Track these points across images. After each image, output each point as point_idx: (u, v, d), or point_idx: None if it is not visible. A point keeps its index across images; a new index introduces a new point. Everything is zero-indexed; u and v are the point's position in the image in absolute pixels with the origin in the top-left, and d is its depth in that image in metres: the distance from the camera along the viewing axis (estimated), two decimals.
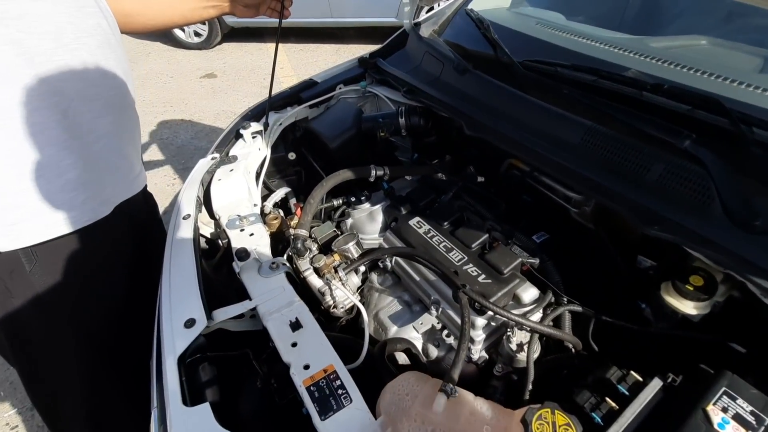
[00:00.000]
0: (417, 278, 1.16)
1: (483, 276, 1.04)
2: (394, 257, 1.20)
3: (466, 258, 1.08)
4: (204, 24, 5.31)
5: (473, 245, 1.10)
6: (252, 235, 1.12)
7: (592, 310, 1.04)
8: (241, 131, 1.42)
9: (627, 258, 1.09)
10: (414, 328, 1.13)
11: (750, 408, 0.69)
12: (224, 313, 0.92)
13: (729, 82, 1.06)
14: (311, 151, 1.56)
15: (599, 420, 0.74)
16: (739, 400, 0.70)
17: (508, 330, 0.97)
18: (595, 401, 0.78)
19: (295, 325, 0.87)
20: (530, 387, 0.88)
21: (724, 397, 0.71)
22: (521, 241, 1.15)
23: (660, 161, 0.88)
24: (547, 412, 0.67)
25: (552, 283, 1.06)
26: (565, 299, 1.04)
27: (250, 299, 0.95)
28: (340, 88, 1.64)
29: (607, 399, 0.77)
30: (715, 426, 0.68)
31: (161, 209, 2.67)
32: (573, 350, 0.98)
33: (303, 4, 4.85)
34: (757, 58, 1.21)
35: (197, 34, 5.42)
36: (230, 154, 1.39)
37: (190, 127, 3.82)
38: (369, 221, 1.28)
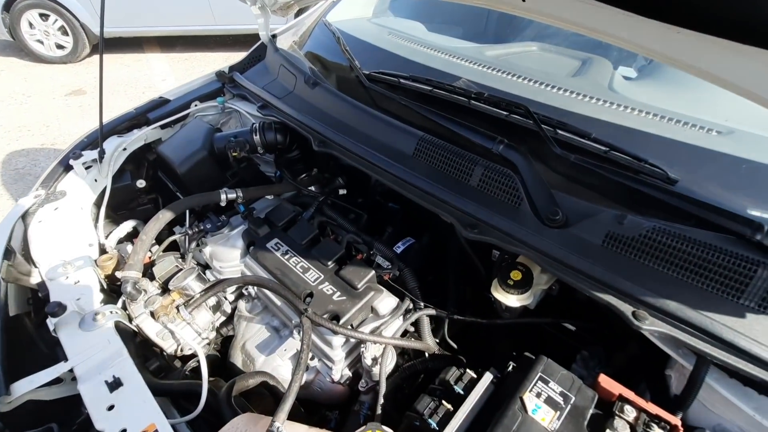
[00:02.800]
0: (278, 303, 1.11)
1: (338, 294, 1.03)
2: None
3: (323, 276, 1.06)
4: (67, 35, 4.70)
5: (329, 262, 1.08)
6: (77, 282, 0.98)
7: (446, 311, 1.08)
8: (71, 162, 1.25)
9: (482, 253, 1.16)
10: (278, 356, 1.08)
11: (560, 389, 0.76)
12: (28, 383, 0.79)
13: (543, 86, 1.17)
14: (165, 174, 1.43)
15: (435, 425, 0.76)
16: (551, 383, 0.77)
17: (363, 346, 0.96)
18: (434, 405, 0.80)
19: (114, 385, 0.77)
20: (381, 401, 0.88)
21: (539, 382, 0.77)
22: (381, 251, 1.16)
23: (480, 166, 0.94)
24: None
25: (408, 290, 1.09)
26: (422, 304, 1.07)
27: (67, 359, 0.83)
28: (195, 105, 1.53)
29: (444, 402, 0.79)
30: (529, 412, 0.73)
31: None
32: (427, 354, 1.01)
33: (183, 11, 4.53)
34: (575, 61, 1.36)
35: (60, 47, 4.77)
36: (58, 189, 1.21)
37: (53, 153, 3.34)
38: (227, 248, 1.20)
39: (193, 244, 1.23)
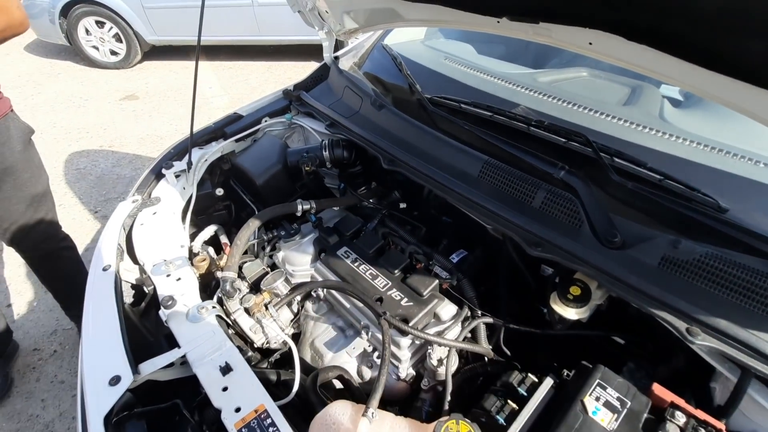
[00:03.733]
0: (347, 305, 1.23)
1: (405, 299, 1.14)
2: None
3: (390, 284, 1.18)
4: (120, 41, 5.02)
5: (396, 271, 1.19)
6: (179, 279, 1.13)
7: (502, 319, 1.18)
8: (164, 171, 1.41)
9: (533, 268, 1.25)
10: (347, 353, 1.20)
11: (617, 395, 0.85)
12: (152, 365, 0.93)
13: (598, 114, 1.26)
14: (240, 184, 1.58)
15: (503, 421, 0.86)
16: (609, 389, 0.86)
17: (429, 347, 1.07)
18: (500, 404, 0.90)
19: (225, 369, 0.90)
20: (449, 398, 0.99)
21: (598, 388, 0.86)
22: (440, 262, 1.27)
23: (542, 190, 1.04)
24: (453, 423, 0.77)
25: (467, 299, 1.19)
26: (479, 312, 1.17)
27: (179, 347, 0.97)
28: (265, 121, 1.67)
29: (509, 401, 0.89)
30: (590, 413, 0.82)
31: (82, 247, 2.50)
32: (486, 359, 1.11)
33: (230, 22, 4.78)
34: (625, 87, 1.44)
35: (114, 53, 5.10)
36: (153, 195, 1.37)
37: (111, 155, 3.60)
38: (299, 254, 1.33)
39: (268, 249, 1.37)
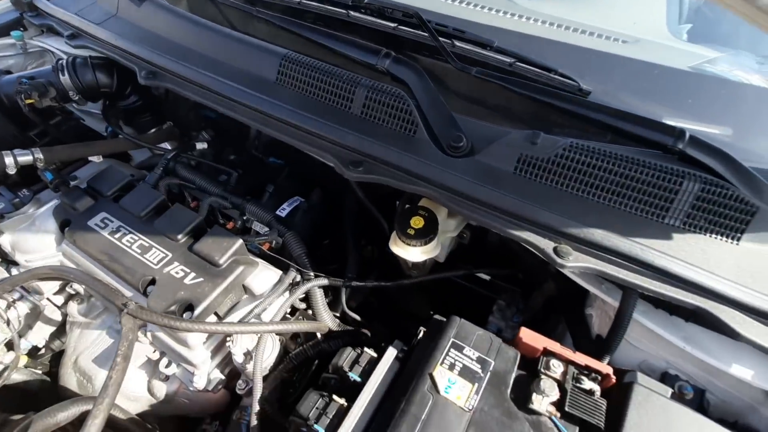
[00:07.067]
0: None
1: (192, 275, 0.77)
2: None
3: (170, 255, 0.79)
4: None
5: (180, 235, 0.80)
6: None
7: (343, 278, 0.88)
8: None
9: (386, 203, 0.96)
10: None
11: (476, 354, 0.60)
12: None
13: None
14: None
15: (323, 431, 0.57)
16: (466, 349, 0.61)
17: (228, 339, 0.72)
18: (324, 404, 0.60)
19: None
20: (257, 408, 0.66)
21: (452, 350, 0.60)
22: (255, 214, 0.91)
23: (362, 87, 0.72)
24: None
25: (295, 256, 0.86)
26: (312, 274, 0.86)
27: None
28: None
29: (335, 397, 0.60)
30: (442, 392, 0.56)
31: None
32: (320, 335, 0.81)
33: None
34: None
35: None
36: None
37: None
38: (33, 234, 0.86)
39: None
